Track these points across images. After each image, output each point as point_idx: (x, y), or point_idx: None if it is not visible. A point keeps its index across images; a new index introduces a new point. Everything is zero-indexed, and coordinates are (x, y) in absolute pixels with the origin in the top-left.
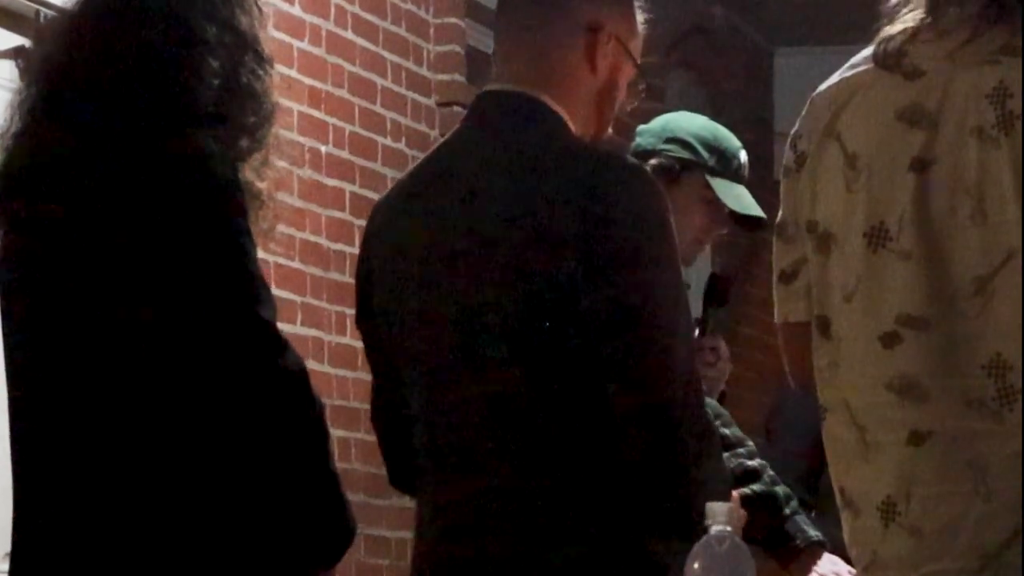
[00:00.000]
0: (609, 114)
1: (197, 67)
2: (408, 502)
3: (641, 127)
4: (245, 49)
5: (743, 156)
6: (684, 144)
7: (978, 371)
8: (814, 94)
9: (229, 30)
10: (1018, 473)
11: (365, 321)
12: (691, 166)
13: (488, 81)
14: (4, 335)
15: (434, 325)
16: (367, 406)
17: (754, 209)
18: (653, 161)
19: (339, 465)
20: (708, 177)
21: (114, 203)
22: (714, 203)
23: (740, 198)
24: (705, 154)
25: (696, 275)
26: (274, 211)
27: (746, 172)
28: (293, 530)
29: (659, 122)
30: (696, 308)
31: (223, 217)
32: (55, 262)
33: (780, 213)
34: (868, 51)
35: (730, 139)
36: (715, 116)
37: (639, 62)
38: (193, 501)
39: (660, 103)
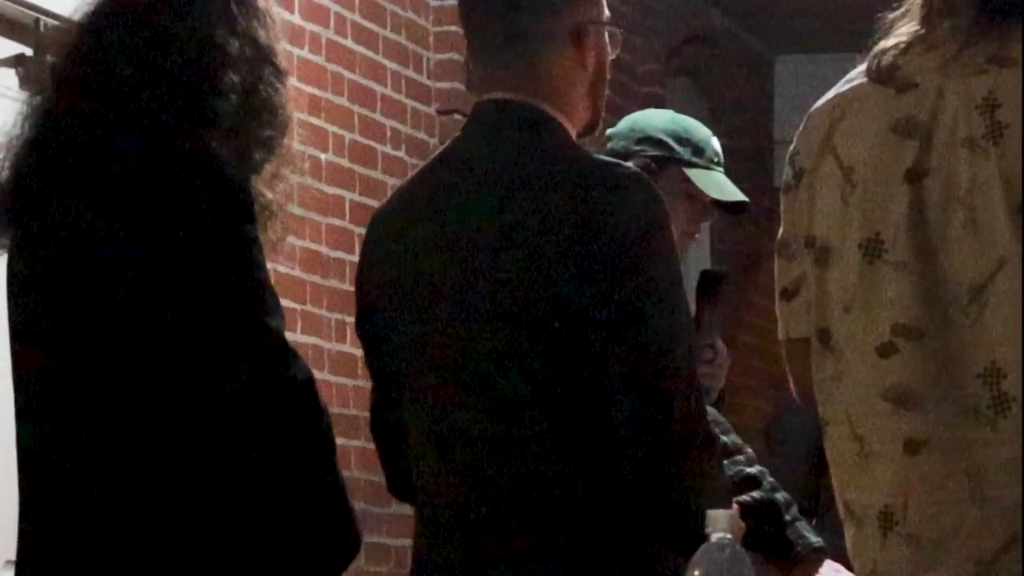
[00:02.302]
0: (603, 94)
1: (218, 79)
2: (408, 510)
3: (609, 131)
4: (264, 62)
5: (715, 142)
6: (657, 142)
7: (973, 379)
8: (811, 110)
9: (249, 43)
10: (1013, 479)
11: (365, 331)
12: (668, 162)
13: (475, 87)
14: (12, 342)
15: (434, 335)
16: (366, 414)
17: (735, 194)
18: (629, 163)
19: None
20: (685, 170)
21: (125, 210)
22: (695, 195)
23: (720, 186)
24: (679, 148)
25: (690, 275)
26: (283, 223)
27: (720, 157)
28: (300, 539)
29: (626, 123)
30: (690, 307)
31: (233, 225)
32: (64, 269)
33: (781, 230)
34: (863, 65)
35: (699, 128)
36: (715, 124)
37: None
38: (200, 510)
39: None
